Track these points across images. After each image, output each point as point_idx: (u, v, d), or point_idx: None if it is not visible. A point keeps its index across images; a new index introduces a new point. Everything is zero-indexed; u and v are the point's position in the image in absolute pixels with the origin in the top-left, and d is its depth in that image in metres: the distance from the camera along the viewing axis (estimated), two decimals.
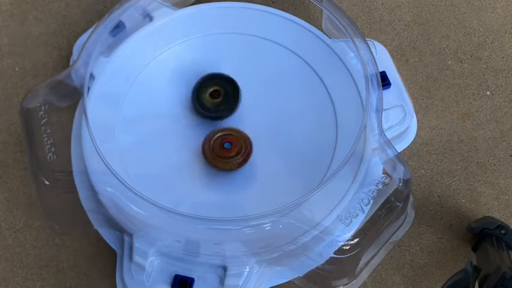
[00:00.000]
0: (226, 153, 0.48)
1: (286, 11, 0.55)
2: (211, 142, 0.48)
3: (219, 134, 0.49)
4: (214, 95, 0.50)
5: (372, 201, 0.46)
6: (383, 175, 0.48)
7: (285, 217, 0.44)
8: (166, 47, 0.53)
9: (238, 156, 0.48)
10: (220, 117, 0.50)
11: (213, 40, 0.54)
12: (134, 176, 0.47)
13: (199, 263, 0.46)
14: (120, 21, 0.52)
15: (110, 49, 0.52)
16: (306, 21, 0.54)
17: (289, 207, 0.43)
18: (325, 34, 0.53)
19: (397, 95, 0.52)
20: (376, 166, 0.48)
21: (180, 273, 0.45)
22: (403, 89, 0.53)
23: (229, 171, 0.49)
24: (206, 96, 0.50)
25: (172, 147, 0.50)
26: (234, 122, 0.50)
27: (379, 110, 0.48)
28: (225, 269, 0.45)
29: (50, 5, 0.62)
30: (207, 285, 0.45)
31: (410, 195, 0.49)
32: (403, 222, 0.50)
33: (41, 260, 0.53)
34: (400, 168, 0.47)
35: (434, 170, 0.57)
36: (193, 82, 0.51)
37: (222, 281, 0.45)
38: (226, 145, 0.48)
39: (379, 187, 0.47)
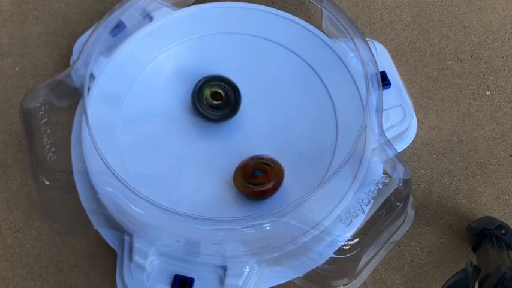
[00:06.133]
0: (256, 180, 0.47)
1: (286, 11, 0.55)
2: (245, 169, 0.47)
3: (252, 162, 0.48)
4: (216, 97, 0.50)
5: (372, 201, 0.46)
6: (383, 175, 0.48)
7: (285, 217, 0.44)
8: (166, 47, 0.53)
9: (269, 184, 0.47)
10: (221, 119, 0.50)
11: (213, 40, 0.54)
12: (134, 176, 0.47)
13: (199, 263, 0.46)
14: (120, 21, 0.52)
15: (110, 49, 0.52)
16: (306, 21, 0.54)
17: (289, 207, 0.43)
18: (325, 34, 0.53)
19: (397, 95, 0.52)
20: (376, 166, 0.48)
21: (180, 273, 0.45)
22: (403, 89, 0.53)
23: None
24: (207, 97, 0.50)
25: (172, 147, 0.50)
26: (234, 122, 0.50)
27: (379, 110, 0.48)
28: (225, 269, 0.45)
29: (50, 5, 0.62)
30: (207, 285, 0.45)
31: (410, 195, 0.49)
32: (403, 222, 0.50)
33: (41, 260, 0.53)
34: (400, 168, 0.47)
35: (434, 170, 0.57)
36: (193, 82, 0.51)
37: (222, 281, 0.45)
38: (258, 172, 0.47)
39: (379, 187, 0.47)
